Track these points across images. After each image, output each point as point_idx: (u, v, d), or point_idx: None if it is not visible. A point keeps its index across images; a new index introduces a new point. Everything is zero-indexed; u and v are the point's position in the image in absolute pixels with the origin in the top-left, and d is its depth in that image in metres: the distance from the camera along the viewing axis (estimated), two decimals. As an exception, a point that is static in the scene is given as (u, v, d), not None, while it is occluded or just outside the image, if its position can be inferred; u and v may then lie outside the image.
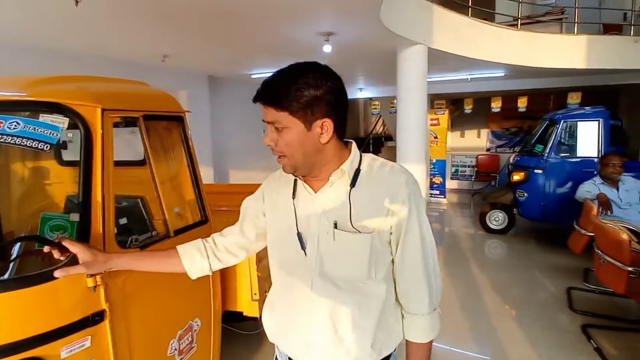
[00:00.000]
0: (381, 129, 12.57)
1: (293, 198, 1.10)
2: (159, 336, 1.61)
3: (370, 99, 10.17)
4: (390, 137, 12.20)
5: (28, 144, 1.24)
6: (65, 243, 1.07)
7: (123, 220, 1.60)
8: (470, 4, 5.37)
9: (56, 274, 1.06)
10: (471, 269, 4.77)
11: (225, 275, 2.13)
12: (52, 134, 1.28)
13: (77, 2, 2.45)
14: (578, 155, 5.11)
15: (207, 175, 6.15)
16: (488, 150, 10.15)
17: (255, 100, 1.01)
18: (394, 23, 3.84)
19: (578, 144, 5.11)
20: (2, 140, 1.24)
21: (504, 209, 6.01)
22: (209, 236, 1.24)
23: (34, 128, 1.27)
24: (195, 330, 1.83)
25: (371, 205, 1.03)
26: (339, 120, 1.02)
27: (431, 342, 1.11)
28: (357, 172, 1.05)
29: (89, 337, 1.27)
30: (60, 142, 1.34)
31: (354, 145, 1.10)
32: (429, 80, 7.21)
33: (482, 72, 6.74)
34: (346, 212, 1.02)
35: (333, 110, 0.99)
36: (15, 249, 1.31)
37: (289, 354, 1.14)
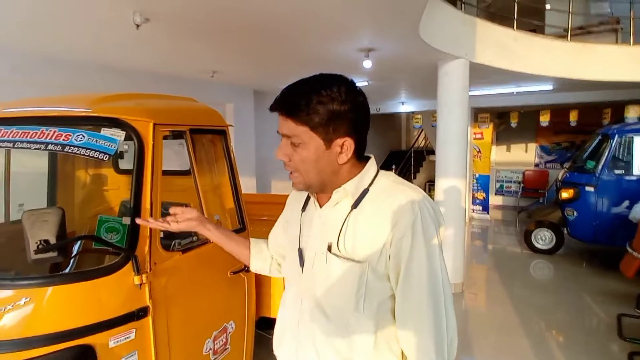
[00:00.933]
0: (423, 143, 12.41)
1: (302, 211, 1.06)
2: (196, 335, 1.72)
3: (412, 112, 10.10)
4: (432, 151, 12.00)
5: (91, 155, 1.41)
6: (172, 210, 1.14)
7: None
8: (515, 17, 5.24)
9: (171, 210, 1.14)
10: (514, 290, 4.58)
11: (260, 282, 2.23)
12: (111, 146, 1.44)
13: (137, 25, 2.71)
14: (634, 173, 4.78)
15: (250, 185, 6.39)
16: (536, 165, 9.71)
17: (273, 109, 0.92)
18: (434, 38, 3.84)
19: (634, 160, 4.78)
20: (69, 150, 1.41)
21: (552, 228, 5.72)
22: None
23: (96, 140, 1.43)
24: (229, 332, 1.93)
25: (369, 231, 0.91)
26: (361, 140, 0.94)
27: None
28: (365, 192, 0.94)
29: (134, 330, 1.40)
30: (118, 153, 1.50)
31: (370, 162, 0.99)
32: (472, 93, 7.08)
33: (529, 86, 6.51)
34: (341, 235, 0.92)
35: (356, 129, 0.92)
36: (76, 247, 1.47)
37: None
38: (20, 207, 2.28)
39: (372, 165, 0.98)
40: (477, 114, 8.62)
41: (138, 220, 1.23)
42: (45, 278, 1.28)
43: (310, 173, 0.93)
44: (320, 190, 0.98)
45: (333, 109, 0.87)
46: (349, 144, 0.91)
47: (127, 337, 1.38)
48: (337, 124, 0.88)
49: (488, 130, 8.19)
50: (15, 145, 1.45)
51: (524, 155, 9.94)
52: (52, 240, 1.10)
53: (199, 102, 2.08)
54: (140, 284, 1.40)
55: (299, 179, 0.94)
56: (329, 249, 0.93)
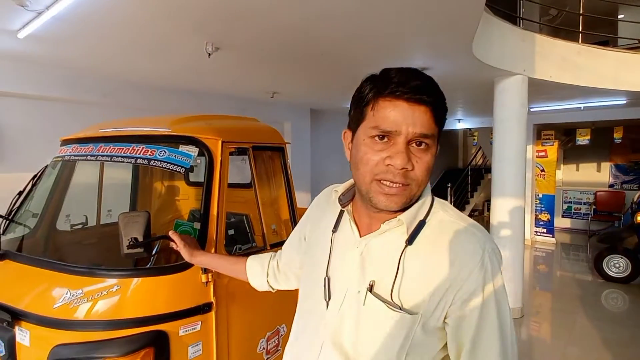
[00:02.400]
0: (480, 161, 11.95)
1: (333, 232, 0.88)
2: (251, 333, 1.88)
3: (470, 129, 9.83)
4: (490, 169, 11.53)
5: (170, 167, 1.65)
6: (171, 234, 1.35)
7: (231, 232, 1.94)
8: (581, 30, 5.03)
9: (171, 234, 1.37)
10: (581, 320, 4.27)
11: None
12: (187, 160, 1.67)
13: (209, 54, 3.04)
14: None
15: (305, 200, 6.62)
16: (611, 186, 8.95)
17: (417, 92, 0.71)
18: (489, 55, 3.83)
19: None
20: (154, 164, 1.67)
21: (627, 255, 5.25)
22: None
23: (175, 155, 1.68)
24: (281, 335, 2.07)
25: (426, 277, 0.75)
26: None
27: None
28: (421, 224, 0.78)
29: (200, 322, 1.59)
30: (191, 167, 1.73)
31: (427, 189, 0.81)
32: (534, 109, 6.81)
33: (599, 100, 6.12)
34: (390, 276, 0.76)
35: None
36: (156, 246, 1.71)
37: None
38: (109, 213, 2.64)
39: (428, 192, 0.81)
40: (541, 131, 8.19)
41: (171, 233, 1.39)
42: (132, 270, 1.52)
43: (421, 186, 0.76)
44: (404, 206, 0.78)
45: (444, 118, 0.76)
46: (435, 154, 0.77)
47: (194, 328, 1.57)
48: (442, 127, 0.77)
49: (552, 148, 7.75)
50: (112, 159, 1.74)
51: (596, 174, 9.22)
52: (140, 238, 1.32)
53: (260, 121, 2.30)
54: (207, 282, 1.59)
55: (405, 193, 0.75)
56: (370, 288, 0.77)
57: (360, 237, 0.82)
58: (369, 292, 0.77)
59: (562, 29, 6.16)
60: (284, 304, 2.12)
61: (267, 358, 1.98)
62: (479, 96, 5.77)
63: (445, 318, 0.75)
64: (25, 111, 3.89)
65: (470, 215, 10.69)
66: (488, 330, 0.74)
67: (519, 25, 4.85)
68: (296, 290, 2.20)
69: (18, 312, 1.47)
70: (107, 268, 1.50)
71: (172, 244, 1.38)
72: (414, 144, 0.73)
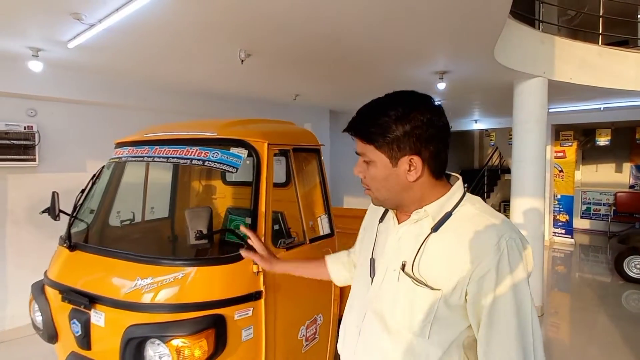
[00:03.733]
0: (497, 161, 11.93)
1: (380, 222, 1.07)
2: (293, 320, 2.03)
3: (486, 130, 9.85)
4: (507, 170, 11.50)
5: (223, 168, 1.81)
6: (250, 235, 1.38)
7: (276, 227, 2.09)
8: (601, 31, 5.06)
9: (242, 252, 1.46)
10: (600, 319, 4.31)
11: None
12: (237, 161, 1.84)
13: (242, 61, 3.21)
14: None
15: (322, 200, 6.77)
16: (632, 187, 8.88)
17: (345, 130, 0.97)
18: (509, 58, 3.91)
19: None
20: (208, 164, 1.83)
21: (648, 255, 5.26)
22: (344, 249, 1.37)
23: (227, 157, 1.84)
24: (318, 324, 2.22)
25: (446, 259, 0.87)
26: (432, 156, 0.91)
27: None
28: (447, 216, 0.91)
29: (251, 308, 1.75)
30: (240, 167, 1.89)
31: (457, 183, 0.97)
32: (553, 110, 6.83)
33: (619, 101, 6.12)
34: (416, 257, 0.90)
35: (424, 146, 0.89)
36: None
37: None
38: (152, 210, 2.83)
39: (459, 188, 0.95)
40: (559, 131, 8.19)
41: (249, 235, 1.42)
42: (194, 260, 1.69)
43: (380, 190, 0.95)
44: (395, 207, 0.99)
45: (397, 128, 0.88)
46: (416, 161, 0.90)
47: (246, 313, 1.73)
48: (400, 143, 0.89)
49: (571, 149, 7.74)
50: (169, 160, 1.92)
51: (616, 175, 9.15)
52: (205, 231, 1.49)
53: (296, 125, 2.46)
54: (257, 272, 1.74)
55: (371, 194, 0.98)
56: (403, 267, 0.92)
57: (398, 224, 0.99)
58: (401, 271, 0.92)
59: (581, 30, 6.18)
60: (321, 295, 2.27)
61: (306, 345, 2.13)
62: (497, 97, 5.84)
63: (465, 296, 0.85)
64: (65, 115, 4.13)
65: (486, 216, 10.69)
66: (503, 307, 0.82)
67: (538, 28, 4.92)
68: (331, 283, 2.35)
69: (94, 297, 1.65)
70: (172, 258, 1.67)
71: (247, 254, 1.42)
72: (363, 160, 0.97)
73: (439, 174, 0.95)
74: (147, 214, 2.76)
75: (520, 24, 4.15)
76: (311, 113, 6.55)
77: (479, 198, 0.96)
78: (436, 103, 0.93)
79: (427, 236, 0.90)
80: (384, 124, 0.89)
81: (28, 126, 3.80)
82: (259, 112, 5.68)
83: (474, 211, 0.91)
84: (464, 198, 0.94)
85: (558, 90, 4.95)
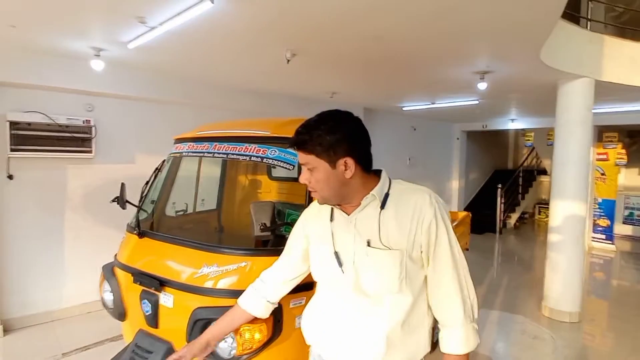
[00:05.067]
0: (534, 162, 11.59)
1: (331, 221, 1.24)
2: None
3: (523, 130, 9.60)
4: (543, 171, 11.17)
5: (280, 165, 1.93)
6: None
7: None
8: (653, 31, 4.85)
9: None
10: (641, 328, 4.19)
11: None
12: (293, 159, 1.94)
13: (288, 60, 3.33)
14: None
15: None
16: (678, 193, 8.46)
17: (290, 146, 1.21)
18: (555, 59, 3.84)
19: None
20: (266, 161, 1.95)
21: (696, 265, 5.04)
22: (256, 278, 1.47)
23: (284, 154, 1.95)
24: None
25: (399, 224, 1.13)
26: (361, 156, 1.15)
27: (467, 356, 1.16)
28: (387, 196, 1.17)
29: (304, 298, 1.84)
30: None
31: (383, 173, 1.23)
32: (596, 111, 6.58)
33: (669, 103, 5.85)
34: (377, 230, 1.14)
35: (353, 149, 1.13)
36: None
37: (323, 354, 1.31)
38: (202, 202, 3.00)
39: (385, 176, 1.23)
40: (602, 133, 7.89)
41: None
42: (255, 250, 1.81)
43: (324, 190, 1.16)
44: (340, 201, 1.19)
45: (329, 138, 1.11)
46: (349, 162, 1.13)
47: (300, 302, 1.83)
48: (335, 148, 1.12)
49: (615, 151, 7.46)
50: (229, 156, 2.05)
51: (662, 180, 8.74)
52: (268, 224, 1.60)
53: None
54: (311, 263, 1.85)
55: (317, 195, 1.18)
56: (368, 244, 1.15)
57: (349, 215, 1.21)
58: (368, 247, 1.15)
59: (629, 29, 5.93)
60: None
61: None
62: (539, 97, 5.71)
63: (420, 247, 1.14)
64: (119, 110, 4.39)
65: (520, 218, 10.44)
66: (444, 246, 1.15)
67: (586, 27, 4.77)
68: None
69: (163, 280, 1.81)
70: (235, 247, 1.80)
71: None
72: (307, 168, 1.17)
73: (369, 169, 1.20)
74: (198, 205, 2.93)
75: (567, 22, 4.05)
76: (346, 110, 6.61)
77: (401, 180, 1.25)
78: (355, 116, 1.19)
79: (380, 213, 1.15)
80: (319, 136, 1.11)
81: (86, 120, 4.08)
82: (296, 109, 5.81)
83: (402, 187, 1.21)
84: (392, 182, 1.23)
85: (604, 91, 4.80)
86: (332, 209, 1.25)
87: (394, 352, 1.16)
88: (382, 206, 1.16)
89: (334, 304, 1.24)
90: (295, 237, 1.42)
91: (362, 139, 1.17)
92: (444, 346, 1.18)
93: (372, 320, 1.16)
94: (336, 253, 1.21)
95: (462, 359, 1.16)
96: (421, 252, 1.15)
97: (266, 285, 1.45)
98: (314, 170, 1.15)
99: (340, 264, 1.19)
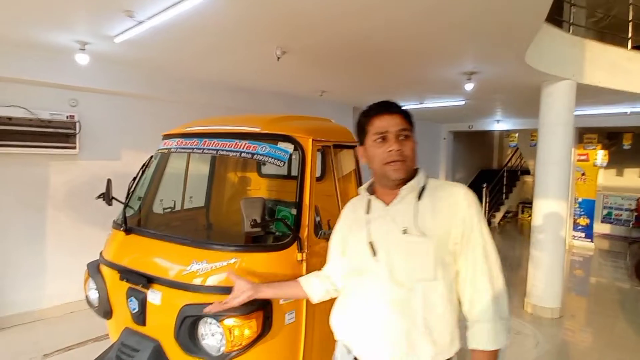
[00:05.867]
0: (517, 162, 11.82)
1: (367, 214, 1.27)
2: (330, 307, 2.13)
3: (507, 130, 9.79)
4: (527, 171, 11.40)
5: (270, 161, 1.92)
6: (230, 276, 1.53)
7: (317, 219, 2.18)
8: (630, 36, 5.00)
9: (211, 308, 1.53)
10: (620, 324, 4.32)
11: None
12: (284, 155, 1.94)
13: (278, 58, 3.32)
14: None
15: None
16: (654, 193, 8.73)
17: (393, 111, 1.20)
18: (539, 61, 3.93)
19: None
20: (256, 157, 1.95)
21: (670, 262, 5.22)
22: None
23: (274, 151, 1.95)
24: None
25: (435, 215, 1.16)
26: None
27: (496, 353, 1.12)
28: (423, 188, 1.22)
29: (294, 294, 1.85)
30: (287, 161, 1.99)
31: (421, 168, 1.28)
32: (577, 113, 6.74)
33: (647, 106, 6.04)
34: (415, 221, 1.16)
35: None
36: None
37: (354, 349, 1.27)
38: (190, 199, 2.97)
39: (423, 171, 1.27)
40: (583, 134, 8.10)
41: (208, 308, 1.54)
42: (245, 247, 1.80)
43: (412, 160, 1.21)
44: (405, 177, 1.21)
45: (411, 121, 1.24)
46: (416, 144, 1.24)
47: (290, 299, 1.84)
48: (412, 129, 1.24)
49: (594, 152, 7.66)
50: (218, 152, 2.04)
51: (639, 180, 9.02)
52: (259, 220, 1.60)
53: (334, 122, 2.55)
54: (301, 260, 1.85)
55: (405, 166, 1.19)
56: (404, 232, 1.17)
57: (387, 206, 1.24)
58: (404, 234, 1.17)
59: (609, 33, 6.09)
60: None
61: (339, 332, 2.23)
62: (523, 98, 5.83)
63: (454, 239, 1.16)
64: (104, 106, 4.31)
65: (503, 217, 10.64)
66: (478, 239, 1.16)
67: (568, 30, 4.89)
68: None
69: (151, 277, 1.78)
70: (224, 244, 1.78)
71: (232, 298, 1.52)
72: (400, 137, 1.19)
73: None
74: (185, 202, 2.90)
75: (551, 26, 4.15)
76: (335, 109, 6.63)
77: (434, 178, 1.30)
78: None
79: (416, 204, 1.19)
80: (410, 113, 1.24)
81: (70, 115, 3.99)
82: (286, 106, 5.79)
83: (438, 182, 1.26)
84: (427, 177, 1.27)
85: (585, 93, 4.93)
86: (368, 201, 1.29)
87: (425, 344, 1.15)
88: (419, 197, 1.19)
89: (366, 296, 1.23)
90: (335, 243, 1.46)
91: None
92: (472, 342, 1.15)
93: (405, 310, 1.15)
94: (371, 243, 1.22)
95: (490, 356, 1.13)
96: (455, 244, 1.17)
97: (330, 280, 1.50)
98: (407, 139, 1.20)
99: (374, 253, 1.20)
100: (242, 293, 1.50)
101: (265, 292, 1.55)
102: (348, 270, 1.33)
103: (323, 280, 1.51)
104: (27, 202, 3.89)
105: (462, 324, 1.24)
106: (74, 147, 4.04)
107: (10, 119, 3.67)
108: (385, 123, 1.19)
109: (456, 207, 1.17)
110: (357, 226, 1.29)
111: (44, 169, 3.97)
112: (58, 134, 3.92)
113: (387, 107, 1.22)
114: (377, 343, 1.19)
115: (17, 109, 3.69)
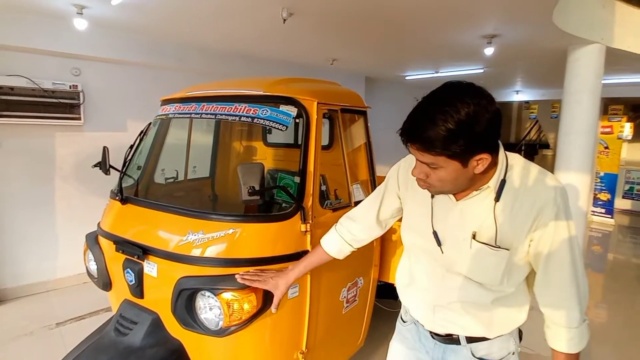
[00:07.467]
0: (535, 136, 11.42)
1: (432, 198, 1.12)
2: (336, 282, 2.04)
3: (527, 102, 9.37)
4: (546, 145, 11.01)
5: (272, 125, 1.78)
6: (248, 282, 1.47)
7: (323, 188, 2.06)
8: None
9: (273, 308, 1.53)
10: (638, 301, 4.16)
11: (384, 251, 2.45)
12: (287, 119, 1.80)
13: (284, 20, 3.11)
14: None
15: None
16: (681, 168, 8.33)
17: (408, 141, 0.94)
18: (567, 22, 3.62)
19: None
20: (257, 121, 1.81)
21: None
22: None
23: (276, 114, 1.80)
24: (359, 286, 2.23)
25: (514, 221, 0.99)
26: (496, 147, 0.97)
27: (578, 353, 1.07)
28: (502, 183, 1.00)
29: (297, 267, 1.75)
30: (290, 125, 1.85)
31: (501, 153, 1.01)
32: (604, 82, 6.37)
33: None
34: (489, 227, 1.01)
35: (492, 142, 0.94)
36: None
37: (410, 310, 1.28)
38: (194, 169, 2.87)
39: (503, 158, 1.01)
40: (608, 105, 7.69)
41: (239, 279, 1.49)
42: (245, 217, 1.69)
43: (446, 186, 1.00)
44: (455, 192, 1.06)
45: (467, 136, 0.87)
46: (485, 158, 0.94)
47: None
48: (472, 146, 0.91)
49: (619, 124, 7.28)
50: (217, 117, 1.90)
51: (665, 155, 8.60)
52: (257, 187, 1.48)
53: (342, 85, 2.38)
54: (305, 231, 1.74)
55: (434, 190, 1.04)
56: (474, 236, 1.03)
57: (457, 201, 1.07)
58: (473, 240, 1.04)
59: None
60: (362, 260, 2.27)
61: (347, 306, 2.15)
62: (546, 66, 5.49)
63: (531, 242, 1.01)
64: (108, 75, 4.18)
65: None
66: (563, 243, 0.98)
67: (600, -11, 4.50)
68: (372, 248, 2.31)
69: (147, 248, 1.70)
70: (224, 214, 1.67)
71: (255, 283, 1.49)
72: (425, 168, 0.98)
73: (496, 153, 0.99)
74: (189, 173, 2.80)
75: (581, -17, 3.81)
76: (347, 79, 6.38)
77: (517, 155, 1.05)
78: (487, 92, 0.93)
79: (494, 207, 1.00)
80: (451, 135, 0.87)
81: (73, 85, 3.88)
82: (296, 75, 5.58)
83: (522, 172, 1.01)
84: (509, 160, 1.02)
85: (612, 60, 4.59)
86: None
87: (475, 325, 1.12)
88: (497, 198, 0.99)
89: (430, 276, 1.19)
90: (390, 192, 1.31)
91: (498, 124, 0.93)
92: (556, 344, 1.08)
93: (469, 298, 1.11)
94: (435, 233, 1.11)
95: (575, 357, 1.07)
96: (535, 248, 1.01)
97: (352, 232, 1.40)
98: (439, 169, 0.95)
99: (439, 244, 1.11)
100: (277, 289, 1.48)
101: (294, 273, 1.49)
102: (407, 231, 1.24)
103: (343, 232, 1.43)
104: (36, 174, 3.85)
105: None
106: (79, 118, 3.95)
107: (12, 89, 3.58)
108: (412, 149, 0.97)
109: (542, 216, 0.97)
110: (421, 207, 1.15)
111: (49, 141, 3.91)
112: (62, 105, 3.83)
113: (409, 135, 0.94)
114: (437, 321, 1.19)
115: (20, 79, 3.60)
